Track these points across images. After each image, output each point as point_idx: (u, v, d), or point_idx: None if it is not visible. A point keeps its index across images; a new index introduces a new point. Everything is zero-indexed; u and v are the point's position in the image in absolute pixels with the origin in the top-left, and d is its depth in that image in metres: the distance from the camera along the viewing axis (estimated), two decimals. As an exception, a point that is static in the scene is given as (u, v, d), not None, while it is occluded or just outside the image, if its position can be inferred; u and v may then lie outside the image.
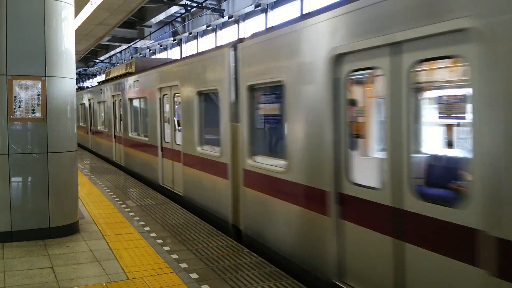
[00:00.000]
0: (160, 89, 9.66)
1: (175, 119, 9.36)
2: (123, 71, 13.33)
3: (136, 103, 12.09)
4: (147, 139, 10.65)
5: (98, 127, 17.08)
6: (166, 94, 9.50)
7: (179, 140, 8.77)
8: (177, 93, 8.74)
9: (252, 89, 5.91)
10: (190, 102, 7.89)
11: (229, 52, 6.41)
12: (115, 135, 14.28)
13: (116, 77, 14.10)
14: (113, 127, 14.40)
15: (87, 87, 23.30)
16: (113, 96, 14.26)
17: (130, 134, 12.29)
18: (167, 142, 9.47)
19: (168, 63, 9.73)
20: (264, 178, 5.57)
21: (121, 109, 13.39)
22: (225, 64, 6.53)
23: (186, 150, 8.20)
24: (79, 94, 21.52)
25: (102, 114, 16.56)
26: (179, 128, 9.02)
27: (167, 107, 9.76)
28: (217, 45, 6.94)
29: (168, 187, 9.40)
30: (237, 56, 6.23)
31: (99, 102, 16.88)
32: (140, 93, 11.30)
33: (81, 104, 21.04)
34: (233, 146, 6.43)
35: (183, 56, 21.64)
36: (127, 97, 12.44)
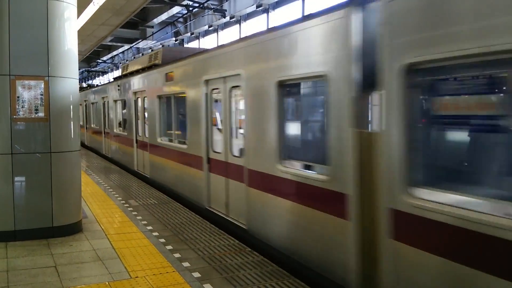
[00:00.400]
0: (207, 81, 7.33)
1: (223, 121, 7.15)
2: (146, 64, 11.20)
3: (167, 101, 9.80)
4: (185, 146, 8.44)
5: (115, 130, 14.59)
6: (216, 88, 7.13)
7: (238, 151, 6.56)
8: (237, 86, 6.44)
9: (415, 70, 3.49)
10: (263, 98, 5.59)
11: (353, 15, 4.10)
12: (137, 140, 12.01)
13: (138, 71, 11.89)
14: (135, 130, 12.07)
15: (97, 85, 21.29)
16: (135, 93, 12.00)
17: (159, 140, 10.03)
18: (218, 153, 7.16)
19: (221, 47, 7.26)
20: (461, 235, 3.10)
21: (145, 108, 11.22)
22: (344, 35, 4.18)
23: (254, 166, 5.91)
24: (90, 92, 19.73)
25: (120, 115, 14.33)
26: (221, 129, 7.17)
27: (217, 106, 7.39)
28: (316, 11, 4.84)
29: (218, 212, 7.13)
30: (377, 19, 3.83)
31: (115, 101, 14.44)
32: (173, 88, 9.00)
33: (93, 103, 18.75)
34: (360, 167, 4.07)
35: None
36: (154, 94, 10.16)
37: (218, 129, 7.35)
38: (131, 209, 7.73)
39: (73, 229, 6.13)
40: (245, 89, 6.10)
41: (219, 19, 19.63)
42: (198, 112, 7.71)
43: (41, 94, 5.89)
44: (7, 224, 5.76)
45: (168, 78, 9.25)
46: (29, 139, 5.88)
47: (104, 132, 16.52)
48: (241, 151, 6.41)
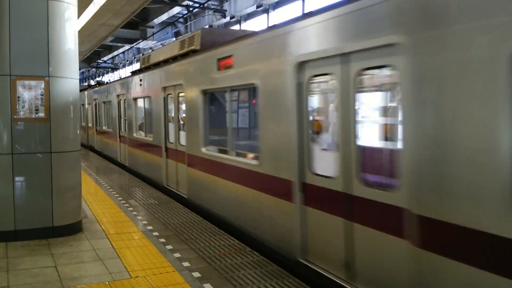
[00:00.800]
0: (303, 65, 4.73)
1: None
2: (178, 51, 8.92)
3: (220, 97, 7.56)
4: (253, 163, 5.92)
5: (134, 134, 12.15)
6: (323, 75, 4.60)
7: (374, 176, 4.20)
8: (378, 67, 3.99)
9: None
10: (468, 84, 2.99)
11: None
12: (166, 148, 9.50)
13: (167, 61, 9.48)
14: (164, 136, 9.57)
15: (107, 82, 19.06)
16: (164, 88, 9.47)
17: (203, 150, 7.52)
18: (325, 177, 4.54)
19: (337, 5, 4.31)
20: None
21: (181, 108, 8.93)
22: None
23: (436, 213, 3.23)
24: (101, 89, 17.40)
25: (142, 116, 12.05)
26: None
27: (319, 102, 5.08)
28: None
29: (326, 273, 4.50)
30: None
31: (135, 99, 12.00)
32: (232, 78, 6.40)
33: (104, 102, 16.34)
34: None
35: None
36: (196, 88, 7.71)
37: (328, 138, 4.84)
38: (131, 209, 7.73)
39: (74, 229, 6.14)
40: (408, 71, 3.44)
41: (219, 19, 19.66)
42: (281, 113, 5.17)
43: (42, 94, 5.90)
44: (8, 224, 5.76)
45: (222, 65, 6.67)
46: (29, 139, 5.89)
47: (120, 136, 14.00)
48: (386, 177, 4.03)
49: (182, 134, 8.67)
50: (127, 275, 4.65)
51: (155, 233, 6.19)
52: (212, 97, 7.71)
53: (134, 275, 4.64)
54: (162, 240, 5.88)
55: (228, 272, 4.75)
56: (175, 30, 24.47)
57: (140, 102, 11.82)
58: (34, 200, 5.90)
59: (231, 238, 6.02)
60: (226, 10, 18.56)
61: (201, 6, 17.88)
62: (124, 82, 13.59)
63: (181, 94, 8.70)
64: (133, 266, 4.90)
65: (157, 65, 10.14)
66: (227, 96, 6.85)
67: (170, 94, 9.28)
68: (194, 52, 8.14)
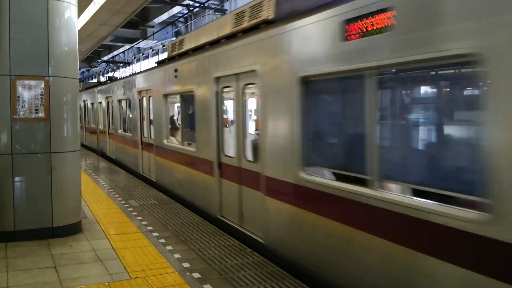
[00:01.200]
0: None
1: None
2: (232, 28, 6.63)
3: (343, 89, 4.69)
4: (473, 215, 2.88)
5: (165, 141, 9.42)
6: None
7: None
8: None
9: None
10: None
11: None
12: (220, 164, 6.83)
13: (217, 42, 7.03)
14: (217, 147, 6.87)
15: (119, 78, 16.17)
16: (217, 80, 6.77)
17: (303, 175, 4.68)
18: None
19: None
20: None
21: (250, 108, 6.59)
22: None
23: None
24: (114, 86, 14.69)
25: (176, 118, 9.88)
26: None
27: None
28: None
29: None
30: None
31: (166, 96, 9.25)
32: (382, 53, 3.59)
33: (120, 100, 13.75)
34: None
35: None
36: (290, 76, 4.83)
37: None
38: (131, 209, 7.72)
39: (73, 229, 6.12)
40: None
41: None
42: None
43: (41, 94, 5.89)
44: (7, 224, 5.75)
45: (356, 30, 3.88)
46: (29, 139, 5.87)
47: (142, 142, 11.49)
48: None
49: (250, 144, 6.22)
50: (127, 275, 4.64)
51: (155, 234, 6.18)
52: (322, 89, 4.85)
53: (134, 275, 4.63)
54: (162, 240, 5.86)
55: (228, 273, 4.74)
56: (175, 30, 24.48)
57: (174, 100, 9.26)
58: (33, 201, 5.88)
59: (231, 238, 6.00)
60: (226, 10, 18.56)
61: (202, 5, 17.88)
62: (148, 75, 10.91)
63: (250, 87, 6.07)
64: (133, 266, 4.89)
65: (200, 49, 7.60)
66: (367, 85, 3.85)
67: (228, 87, 6.61)
68: (268, 23, 5.61)
